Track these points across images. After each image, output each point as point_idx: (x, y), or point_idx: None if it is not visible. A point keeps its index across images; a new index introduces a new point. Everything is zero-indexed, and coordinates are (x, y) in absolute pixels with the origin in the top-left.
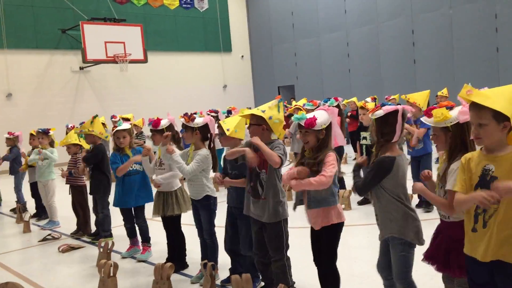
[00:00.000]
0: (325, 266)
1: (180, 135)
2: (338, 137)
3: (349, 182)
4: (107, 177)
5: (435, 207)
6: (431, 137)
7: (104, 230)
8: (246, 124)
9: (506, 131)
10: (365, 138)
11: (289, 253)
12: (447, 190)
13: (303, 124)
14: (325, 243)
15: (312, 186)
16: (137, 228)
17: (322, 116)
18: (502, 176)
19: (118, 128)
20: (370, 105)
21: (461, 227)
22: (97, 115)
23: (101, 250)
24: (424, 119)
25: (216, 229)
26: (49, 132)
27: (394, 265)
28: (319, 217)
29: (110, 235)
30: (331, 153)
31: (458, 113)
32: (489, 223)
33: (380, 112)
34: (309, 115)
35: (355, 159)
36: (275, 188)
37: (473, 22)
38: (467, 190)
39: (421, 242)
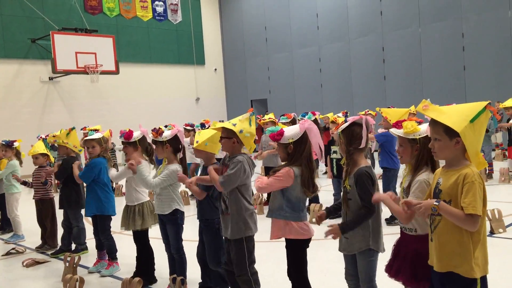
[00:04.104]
0: (295, 280)
1: (153, 147)
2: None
3: (322, 196)
4: (77, 190)
5: None
6: (396, 149)
7: (79, 243)
8: None
9: (459, 147)
10: (335, 152)
11: (263, 265)
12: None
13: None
14: (289, 257)
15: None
16: None
17: (291, 130)
18: (444, 189)
19: (87, 137)
20: (341, 119)
21: (427, 241)
22: (74, 128)
23: (67, 264)
24: (394, 130)
25: (185, 243)
26: (13, 145)
27: (362, 272)
28: (274, 227)
29: (86, 248)
30: (287, 168)
31: (428, 127)
32: (434, 233)
33: (345, 124)
34: (285, 129)
35: (325, 172)
36: (238, 204)
37: (441, 40)
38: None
39: (383, 250)
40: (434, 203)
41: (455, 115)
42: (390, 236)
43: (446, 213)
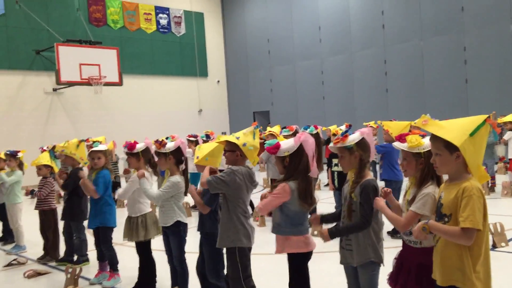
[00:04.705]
0: None
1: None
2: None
3: (324, 209)
4: (80, 202)
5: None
6: (400, 162)
7: (81, 255)
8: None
9: (459, 161)
10: (336, 165)
11: (264, 277)
12: (410, 209)
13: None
14: (290, 271)
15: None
16: None
17: (286, 144)
18: (445, 203)
19: (93, 149)
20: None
21: (431, 253)
22: (83, 140)
23: (68, 276)
24: (397, 144)
25: (187, 255)
26: (17, 155)
27: (365, 285)
28: (276, 242)
29: (87, 260)
30: (283, 183)
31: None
32: (436, 247)
33: (357, 136)
34: (282, 142)
35: (327, 185)
36: (229, 213)
37: (443, 54)
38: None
39: (382, 260)
40: (424, 223)
41: (454, 129)
42: (392, 249)
43: (437, 231)
